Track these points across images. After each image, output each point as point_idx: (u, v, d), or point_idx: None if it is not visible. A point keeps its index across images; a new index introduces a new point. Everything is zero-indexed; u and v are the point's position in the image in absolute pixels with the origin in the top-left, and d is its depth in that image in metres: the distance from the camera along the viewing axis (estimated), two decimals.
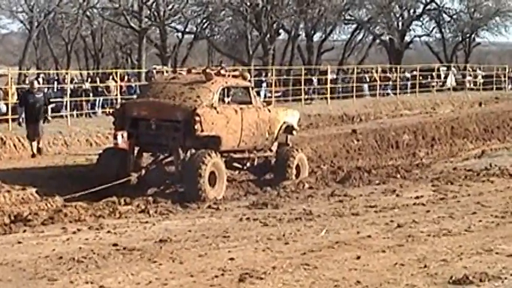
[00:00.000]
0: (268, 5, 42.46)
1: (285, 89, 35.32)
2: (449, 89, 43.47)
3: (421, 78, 40.85)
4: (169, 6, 42.14)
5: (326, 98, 33.47)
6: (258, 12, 42.31)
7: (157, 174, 16.35)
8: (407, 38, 53.90)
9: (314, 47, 48.75)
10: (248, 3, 42.49)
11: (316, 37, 49.38)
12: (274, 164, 17.80)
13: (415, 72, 41.29)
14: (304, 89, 32.45)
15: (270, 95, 32.78)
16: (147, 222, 12.43)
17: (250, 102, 17.18)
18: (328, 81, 35.25)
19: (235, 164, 17.42)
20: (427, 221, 11.94)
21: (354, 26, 51.88)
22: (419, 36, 55.86)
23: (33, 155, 18.80)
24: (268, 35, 43.21)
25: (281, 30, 47.47)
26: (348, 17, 51.18)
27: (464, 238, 10.60)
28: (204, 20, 46.26)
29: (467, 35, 55.73)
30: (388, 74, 41.09)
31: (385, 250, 9.73)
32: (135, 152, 16.37)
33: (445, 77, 46.18)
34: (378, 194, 15.35)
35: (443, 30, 55.27)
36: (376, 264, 9.01)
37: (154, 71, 31.24)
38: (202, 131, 15.58)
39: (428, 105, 36.83)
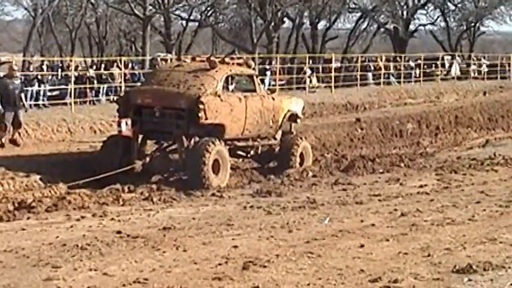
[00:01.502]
0: None
1: (289, 77, 35.26)
2: (453, 78, 43.33)
3: (425, 67, 40.71)
4: None
5: (330, 87, 33.43)
6: (262, 0, 42.20)
7: (161, 161, 16.36)
8: (411, 27, 53.80)
9: (318, 35, 48.65)
10: None
11: (321, 25, 49.41)
12: (278, 152, 17.79)
13: (419, 61, 41.15)
14: (309, 77, 32.41)
15: (274, 83, 32.71)
16: (150, 209, 12.43)
17: (255, 90, 17.16)
18: (333, 69, 35.20)
19: (239, 152, 17.42)
20: (430, 210, 11.94)
21: (359, 14, 51.79)
22: (424, 25, 55.78)
23: (1, 145, 17.87)
24: (272, 23, 43.12)
25: (285, 19, 47.39)
26: (353, 6, 51.07)
27: (468, 227, 10.60)
28: (209, 8, 46.17)
29: (472, 24, 55.58)
30: (387, 63, 40.88)
31: (389, 239, 9.73)
32: (139, 139, 16.38)
33: (450, 66, 45.99)
34: (382, 183, 15.36)
35: (447, 19, 55.14)
36: (380, 252, 9.01)
37: (158, 59, 31.19)
38: (206, 118, 15.57)
39: (433, 94, 36.73)
